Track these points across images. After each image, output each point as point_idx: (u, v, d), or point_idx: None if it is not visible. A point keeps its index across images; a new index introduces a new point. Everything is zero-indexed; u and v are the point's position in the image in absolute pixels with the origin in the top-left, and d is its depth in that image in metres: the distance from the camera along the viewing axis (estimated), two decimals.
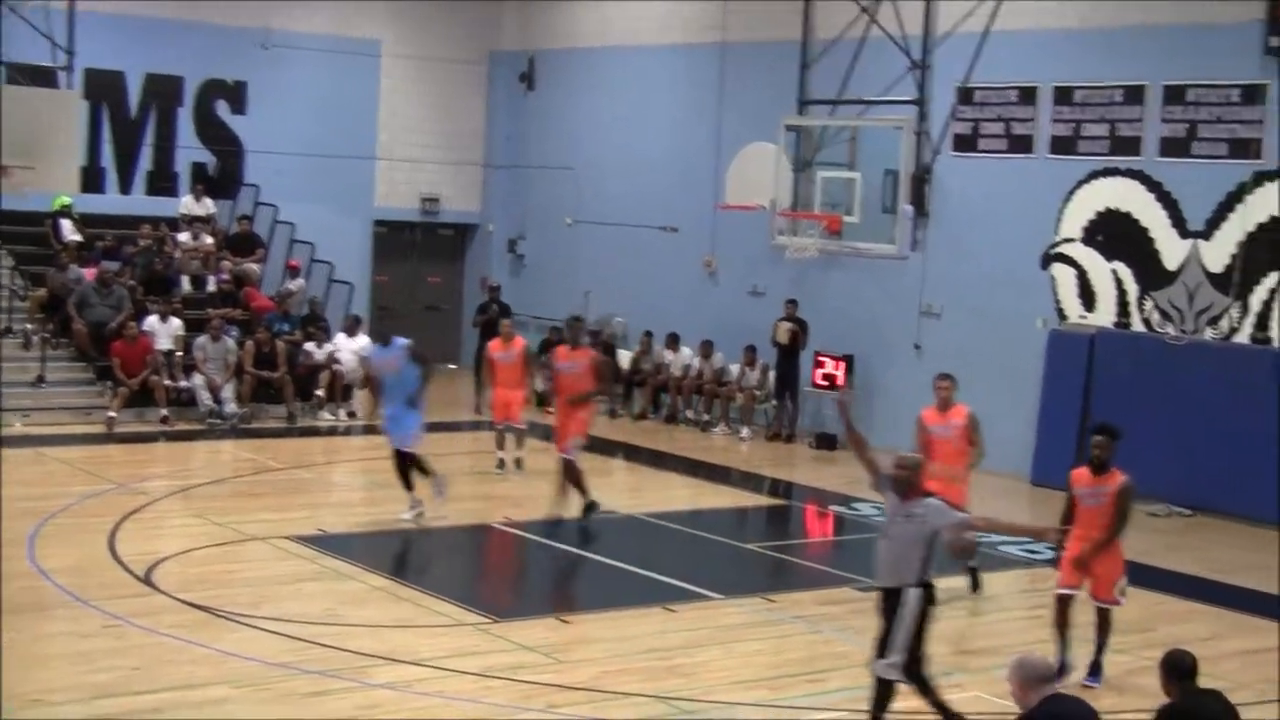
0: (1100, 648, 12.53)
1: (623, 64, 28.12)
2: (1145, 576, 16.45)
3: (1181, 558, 17.47)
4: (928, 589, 10.59)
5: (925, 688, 10.72)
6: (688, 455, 22.61)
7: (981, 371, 22.06)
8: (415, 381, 17.13)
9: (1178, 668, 8.52)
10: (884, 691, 10.65)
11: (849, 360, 23.60)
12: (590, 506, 17.40)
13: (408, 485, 17.18)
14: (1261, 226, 19.64)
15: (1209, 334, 20.16)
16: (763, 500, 20.34)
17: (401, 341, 17.40)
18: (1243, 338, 19.83)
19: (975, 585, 15.16)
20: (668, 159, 27.11)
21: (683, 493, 20.16)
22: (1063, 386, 21.32)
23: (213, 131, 27.92)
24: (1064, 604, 12.56)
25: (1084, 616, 12.62)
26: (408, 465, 17.25)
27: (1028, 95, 21.99)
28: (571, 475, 17.41)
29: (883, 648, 10.63)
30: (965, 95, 22.64)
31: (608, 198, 28.12)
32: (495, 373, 20.59)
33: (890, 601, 10.63)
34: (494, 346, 20.84)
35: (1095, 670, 12.52)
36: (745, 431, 24.19)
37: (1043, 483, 20.51)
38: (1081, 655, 12.53)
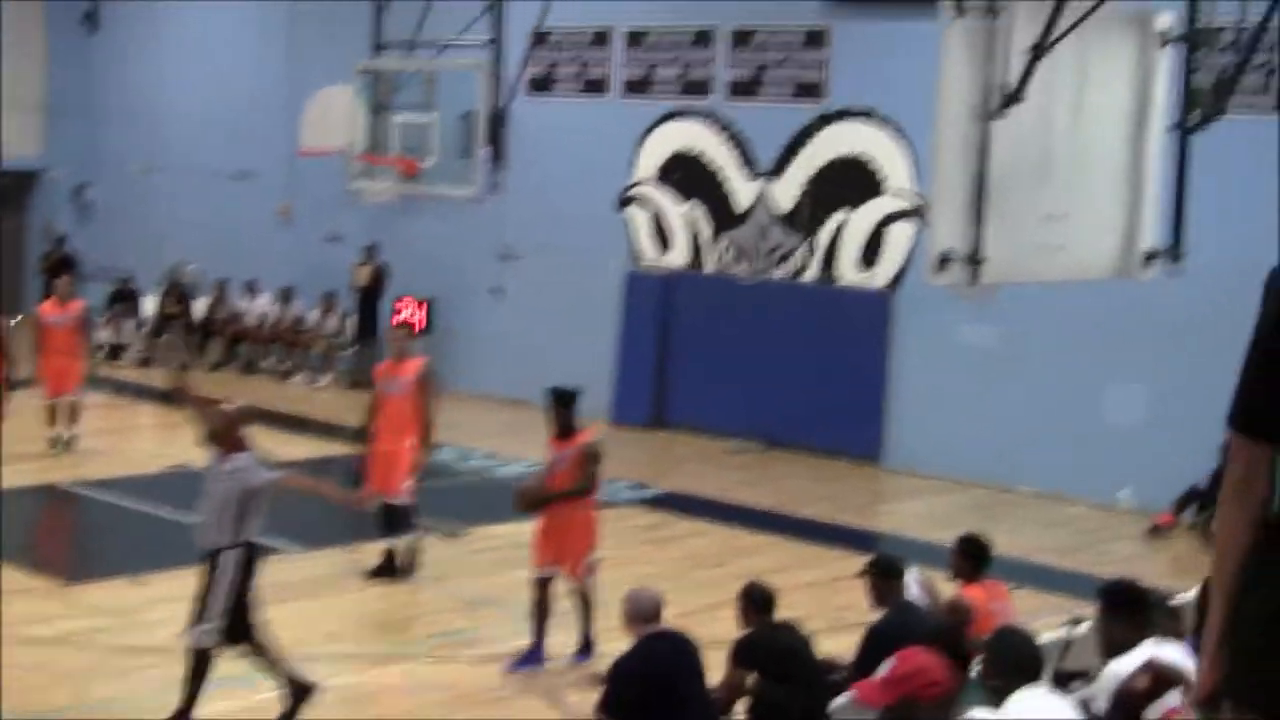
0: (587, 620, 11.66)
1: (192, 7, 27.18)
2: (720, 512, 16.96)
3: (755, 492, 17.99)
4: (249, 549, 10.03)
5: (262, 652, 10.09)
6: (266, 406, 22.06)
7: (562, 314, 22.33)
8: None
9: (757, 600, 8.79)
10: (200, 663, 9.92)
11: (429, 304, 23.48)
12: None
13: None
14: (827, 166, 20.30)
15: (779, 273, 20.77)
16: (343, 449, 20.02)
17: None
18: (811, 276, 20.49)
19: (388, 568, 13.78)
20: (241, 105, 26.36)
21: (260, 443, 19.65)
22: (640, 328, 21.67)
23: None
24: (544, 587, 11.62)
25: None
26: None
27: (601, 38, 22.20)
28: None
29: (200, 615, 9.98)
30: (540, 38, 22.66)
31: (180, 144, 27.21)
32: (47, 338, 17.76)
33: (211, 565, 10.03)
34: (47, 309, 18.10)
35: (587, 648, 11.73)
36: (322, 379, 23.81)
37: (622, 424, 20.86)
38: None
